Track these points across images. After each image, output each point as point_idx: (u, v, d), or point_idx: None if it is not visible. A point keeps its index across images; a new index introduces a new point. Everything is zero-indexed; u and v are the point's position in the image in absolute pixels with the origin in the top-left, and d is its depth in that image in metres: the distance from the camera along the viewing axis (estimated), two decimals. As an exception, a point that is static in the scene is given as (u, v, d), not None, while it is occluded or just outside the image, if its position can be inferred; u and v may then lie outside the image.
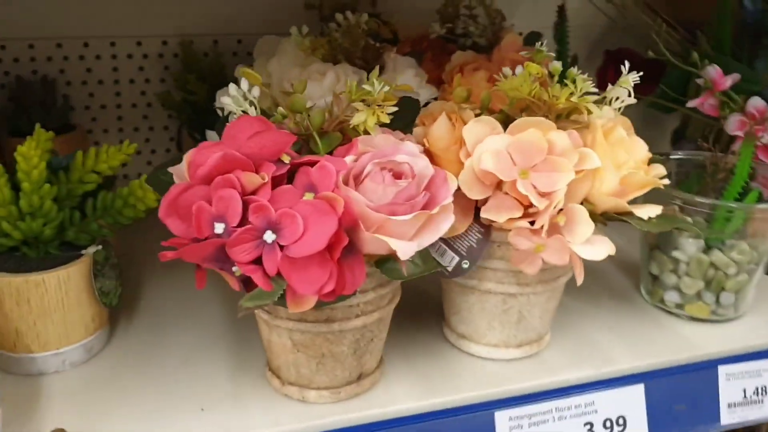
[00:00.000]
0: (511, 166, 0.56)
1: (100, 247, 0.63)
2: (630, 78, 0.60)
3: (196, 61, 0.96)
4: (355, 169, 0.53)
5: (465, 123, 0.61)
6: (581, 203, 0.58)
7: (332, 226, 0.48)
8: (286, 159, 0.52)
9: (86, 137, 0.98)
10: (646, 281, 0.77)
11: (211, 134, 0.78)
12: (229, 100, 0.57)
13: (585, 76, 0.60)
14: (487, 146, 0.56)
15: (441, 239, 0.60)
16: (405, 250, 0.50)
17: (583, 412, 0.63)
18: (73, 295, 0.61)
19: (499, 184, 0.57)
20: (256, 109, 0.57)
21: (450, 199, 0.52)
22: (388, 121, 0.54)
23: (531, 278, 0.61)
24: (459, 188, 0.58)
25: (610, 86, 0.62)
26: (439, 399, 0.61)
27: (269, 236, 0.48)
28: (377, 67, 0.58)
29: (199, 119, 0.94)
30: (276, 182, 0.51)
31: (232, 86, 0.57)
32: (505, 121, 0.59)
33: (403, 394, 0.61)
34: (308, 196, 0.50)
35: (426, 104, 0.71)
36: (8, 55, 0.93)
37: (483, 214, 0.56)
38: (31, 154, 0.59)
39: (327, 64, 0.76)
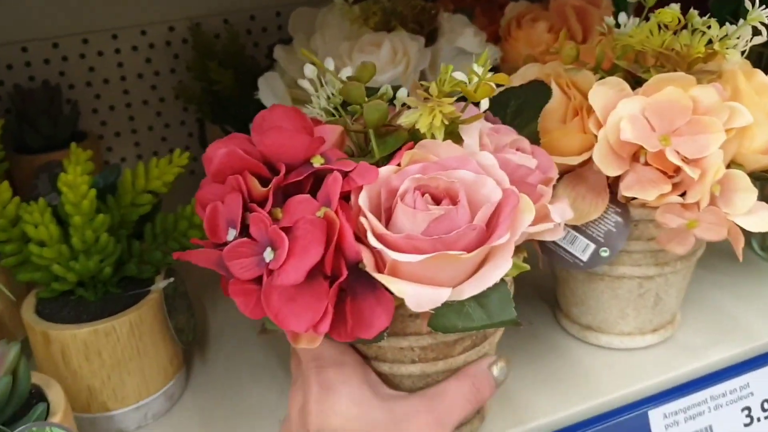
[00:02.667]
0: (650, 133, 0.48)
1: (171, 279, 0.54)
2: (762, 13, 0.52)
3: (209, 45, 0.86)
4: (394, 183, 0.41)
5: (579, 88, 0.52)
6: (728, 166, 0.50)
7: (315, 254, 0.38)
8: (317, 162, 0.42)
9: (98, 145, 0.88)
10: (760, 236, 0.69)
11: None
12: (307, 84, 0.48)
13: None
14: (623, 111, 0.48)
15: (571, 226, 0.52)
16: (416, 296, 0.38)
17: (739, 397, 0.56)
18: (148, 338, 0.53)
19: (635, 156, 0.49)
20: (329, 97, 0.48)
21: (505, 237, 0.38)
22: (446, 123, 0.41)
23: (670, 256, 0.54)
24: (588, 164, 0.50)
25: (729, 26, 0.54)
26: (582, 405, 0.53)
27: (269, 255, 0.39)
28: (485, 52, 0.49)
29: (226, 110, 0.84)
30: (297, 189, 0.42)
31: (308, 67, 0.48)
32: (625, 80, 0.51)
33: (542, 403, 0.54)
34: (321, 212, 0.40)
35: (493, 68, 0.62)
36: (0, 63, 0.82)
37: (625, 193, 0.48)
38: (78, 181, 0.50)
39: (380, 34, 0.67)
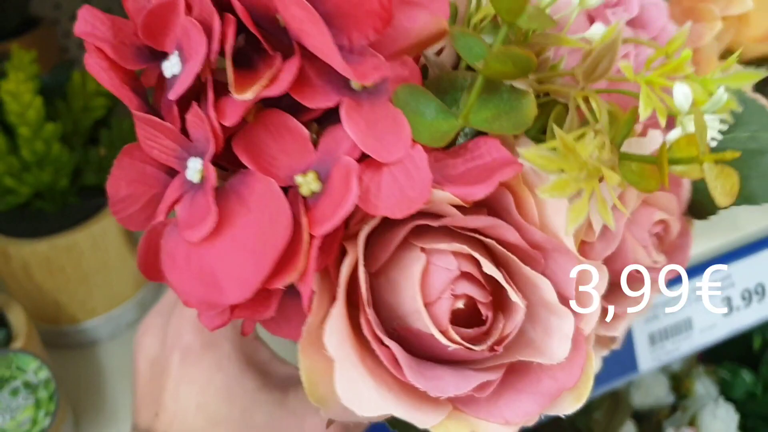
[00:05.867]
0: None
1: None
2: None
3: None
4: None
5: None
6: (722, 55, 0.46)
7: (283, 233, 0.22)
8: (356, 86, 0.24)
9: (53, 32, 0.82)
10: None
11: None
12: None
13: None
14: (610, 0, 0.43)
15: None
16: None
17: (720, 288, 0.55)
18: (113, 250, 0.51)
19: (623, 46, 0.45)
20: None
21: None
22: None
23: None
24: None
25: None
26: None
27: (193, 172, 0.24)
28: None
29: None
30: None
31: None
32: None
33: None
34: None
35: None
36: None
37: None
38: (21, 89, 0.46)
39: None
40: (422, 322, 0.23)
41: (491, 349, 0.24)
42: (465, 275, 0.24)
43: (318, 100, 0.23)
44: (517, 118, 0.24)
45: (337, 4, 0.22)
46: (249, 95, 0.22)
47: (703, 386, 0.81)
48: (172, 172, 0.25)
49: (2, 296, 0.45)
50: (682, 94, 0.21)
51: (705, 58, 0.43)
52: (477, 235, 0.24)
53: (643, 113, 0.21)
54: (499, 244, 0.24)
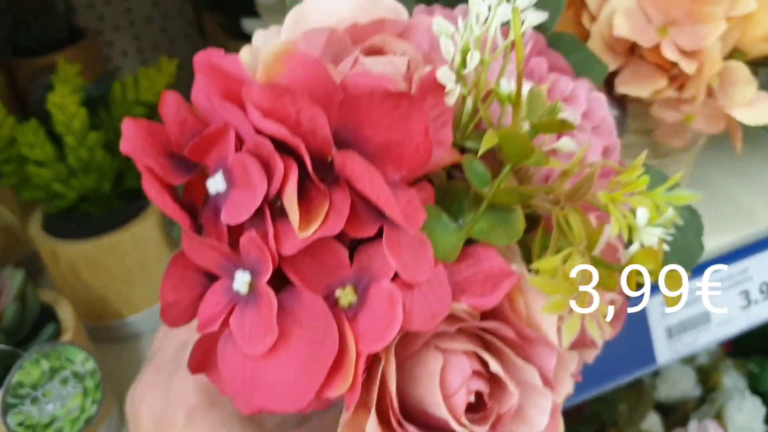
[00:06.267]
0: (646, 25, 0.46)
1: (169, 191, 0.55)
2: None
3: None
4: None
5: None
6: (729, 54, 0.48)
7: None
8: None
9: (97, 43, 0.86)
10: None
11: (249, 25, 0.66)
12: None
13: None
14: (617, 3, 0.46)
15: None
16: None
17: (737, 281, 0.56)
18: (153, 249, 0.54)
19: (632, 49, 0.47)
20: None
21: None
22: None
23: (670, 148, 0.53)
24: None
25: None
26: None
27: (241, 283, 0.26)
28: None
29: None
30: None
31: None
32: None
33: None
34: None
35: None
36: (-14, -39, 0.80)
37: (621, 89, 0.47)
38: (67, 102, 0.50)
39: None
40: (441, 412, 0.27)
41: (492, 427, 0.28)
42: (475, 372, 0.28)
43: (362, 230, 0.26)
44: (509, 231, 0.27)
45: (380, 148, 0.25)
46: (310, 233, 0.24)
47: (731, 379, 0.82)
48: (209, 274, 0.27)
49: (52, 293, 0.49)
50: (642, 215, 0.24)
51: (709, 60, 0.45)
52: (479, 332, 0.28)
53: (614, 230, 0.25)
54: (497, 338, 0.28)
